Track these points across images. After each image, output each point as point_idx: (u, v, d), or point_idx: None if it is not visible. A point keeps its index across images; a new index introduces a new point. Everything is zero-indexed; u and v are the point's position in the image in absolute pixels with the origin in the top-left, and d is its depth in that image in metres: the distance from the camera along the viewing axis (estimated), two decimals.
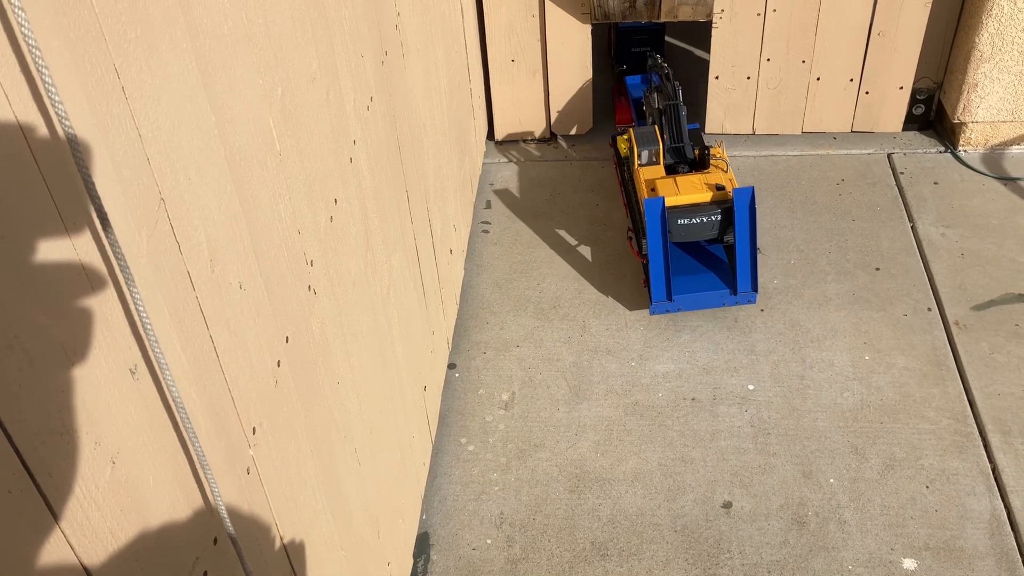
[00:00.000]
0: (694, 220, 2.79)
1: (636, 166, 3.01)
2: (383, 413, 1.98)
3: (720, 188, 2.83)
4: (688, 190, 2.83)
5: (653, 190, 2.88)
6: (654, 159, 3.00)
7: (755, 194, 2.77)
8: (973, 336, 2.81)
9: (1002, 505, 2.36)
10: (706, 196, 2.81)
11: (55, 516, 0.83)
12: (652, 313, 2.94)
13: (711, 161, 2.97)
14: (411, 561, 2.28)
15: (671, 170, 3.01)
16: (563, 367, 2.83)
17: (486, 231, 3.38)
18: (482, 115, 3.69)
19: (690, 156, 3.04)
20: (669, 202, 2.79)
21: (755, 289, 2.91)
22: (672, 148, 3.05)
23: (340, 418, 1.66)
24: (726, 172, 2.94)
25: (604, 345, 2.89)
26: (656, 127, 3.05)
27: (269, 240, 1.33)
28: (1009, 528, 2.31)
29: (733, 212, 2.78)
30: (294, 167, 1.43)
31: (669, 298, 2.89)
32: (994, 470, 2.45)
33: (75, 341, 0.86)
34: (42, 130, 0.80)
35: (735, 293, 2.91)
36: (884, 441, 2.54)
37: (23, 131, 0.78)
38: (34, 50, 0.75)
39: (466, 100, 3.23)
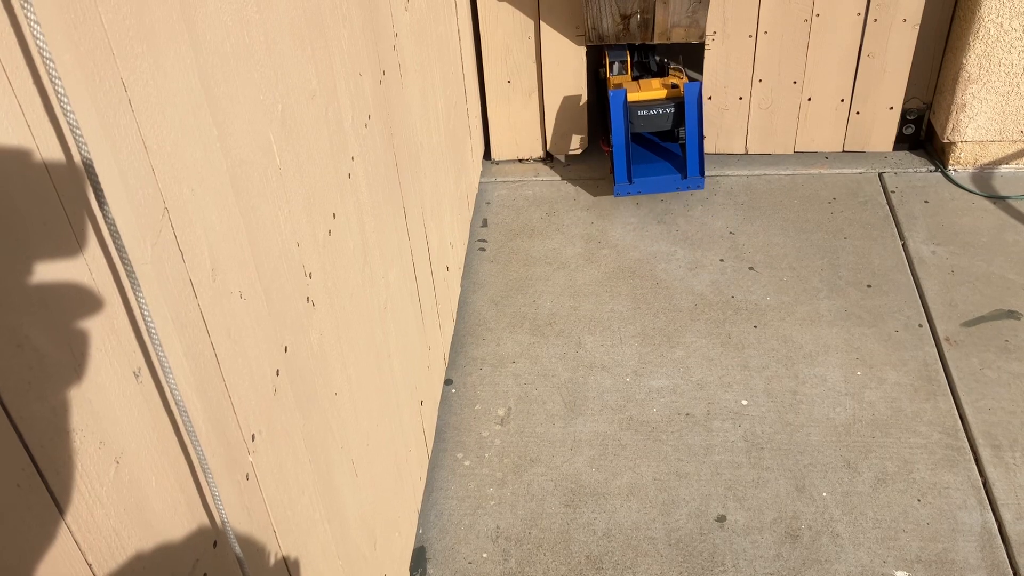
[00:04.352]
0: (651, 112, 3.37)
1: (608, 75, 3.51)
2: (380, 426, 2.00)
3: (674, 87, 3.39)
4: (648, 88, 3.42)
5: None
6: (623, 70, 3.54)
7: (702, 89, 3.33)
8: (963, 352, 2.84)
9: (993, 518, 2.39)
10: (662, 93, 3.39)
11: (61, 512, 0.85)
12: (616, 195, 3.51)
13: (670, 70, 3.55)
14: (408, 575, 2.30)
15: (637, 80, 3.57)
16: (558, 383, 2.85)
17: (483, 249, 3.42)
18: (479, 135, 3.74)
19: (654, 69, 3.62)
20: (631, 97, 3.36)
21: (703, 175, 3.45)
22: (638, 63, 3.62)
23: (337, 428, 1.69)
24: (681, 78, 3.47)
25: (599, 361, 2.92)
26: (627, 50, 3.56)
27: (269, 252, 1.37)
28: (1000, 541, 2.33)
29: (684, 106, 3.33)
30: (293, 181, 1.47)
31: (630, 180, 3.46)
32: (985, 483, 2.47)
33: (82, 343, 0.89)
34: (54, 139, 0.83)
35: (685, 177, 3.47)
36: (876, 455, 2.56)
37: (36, 139, 0.81)
38: (48, 62, 0.78)
39: (463, 120, 3.28)
